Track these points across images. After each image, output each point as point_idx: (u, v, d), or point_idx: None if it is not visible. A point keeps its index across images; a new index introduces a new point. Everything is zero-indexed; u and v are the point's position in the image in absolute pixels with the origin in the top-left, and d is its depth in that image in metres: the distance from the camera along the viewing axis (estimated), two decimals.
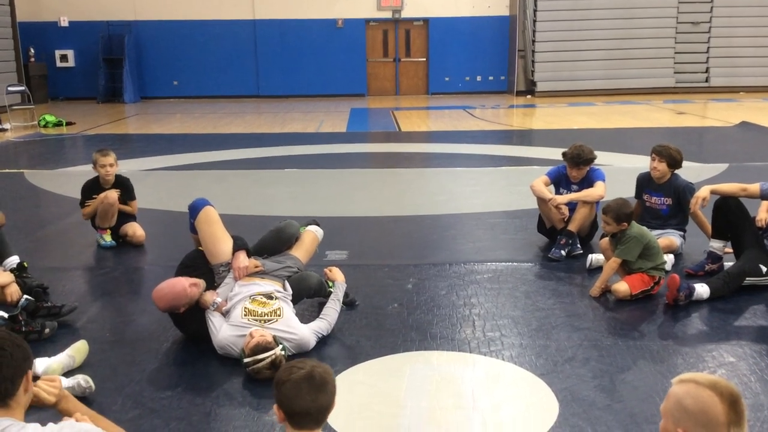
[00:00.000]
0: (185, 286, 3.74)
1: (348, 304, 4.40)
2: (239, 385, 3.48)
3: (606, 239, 4.79)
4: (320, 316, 4.00)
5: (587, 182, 5.54)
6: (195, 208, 4.17)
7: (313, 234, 4.59)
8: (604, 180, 5.51)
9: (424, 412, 3.21)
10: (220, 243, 4.04)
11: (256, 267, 4.03)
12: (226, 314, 3.81)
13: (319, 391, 2.20)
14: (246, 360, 3.48)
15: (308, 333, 3.79)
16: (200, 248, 4.18)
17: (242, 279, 3.95)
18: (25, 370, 2.13)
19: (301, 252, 4.43)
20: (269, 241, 4.41)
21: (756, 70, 20.29)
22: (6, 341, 2.10)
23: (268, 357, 3.44)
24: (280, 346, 3.53)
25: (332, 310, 4.03)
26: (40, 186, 8.64)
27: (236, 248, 4.02)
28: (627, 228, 4.58)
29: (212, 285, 3.98)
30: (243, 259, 3.99)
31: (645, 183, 5.50)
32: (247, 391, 3.42)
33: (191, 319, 3.85)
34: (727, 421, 1.83)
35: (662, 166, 5.29)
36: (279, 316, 3.76)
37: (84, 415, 2.32)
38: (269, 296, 3.87)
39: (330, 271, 4.34)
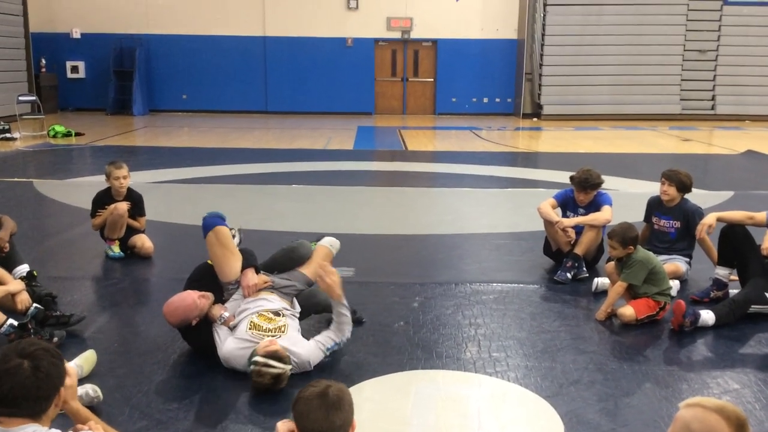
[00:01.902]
0: (195, 298, 3.77)
1: (355, 321, 4.41)
2: (246, 399, 3.50)
3: (612, 263, 4.82)
4: (331, 327, 3.89)
5: (594, 206, 5.57)
6: (206, 228, 4.10)
7: (325, 249, 4.47)
8: (611, 204, 5.53)
9: (430, 431, 3.22)
10: (230, 263, 4.03)
11: (265, 283, 4.05)
12: (233, 329, 3.83)
13: (332, 410, 2.18)
14: (257, 358, 3.46)
15: (310, 353, 3.73)
16: (209, 262, 4.20)
17: (251, 295, 3.97)
18: (59, 388, 2.14)
19: (311, 269, 4.33)
20: (280, 260, 4.38)
21: (762, 99, 20.37)
22: (43, 361, 2.09)
23: (278, 368, 3.45)
24: (290, 367, 3.53)
25: (343, 324, 3.86)
26: (48, 195, 8.70)
27: (245, 265, 4.04)
28: (633, 252, 4.61)
29: (220, 299, 4.01)
30: (252, 277, 4.01)
31: (655, 206, 5.55)
32: (254, 406, 3.44)
33: (199, 332, 3.87)
34: None
35: (672, 191, 5.34)
36: (283, 332, 3.77)
37: (97, 424, 2.34)
38: (276, 313, 3.88)
39: (324, 279, 3.82)
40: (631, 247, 4.60)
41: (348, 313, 3.91)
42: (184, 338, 4.00)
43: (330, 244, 4.54)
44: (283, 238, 6.03)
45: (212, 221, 4.11)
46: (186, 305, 3.75)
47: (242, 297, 3.98)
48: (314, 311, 4.26)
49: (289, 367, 3.52)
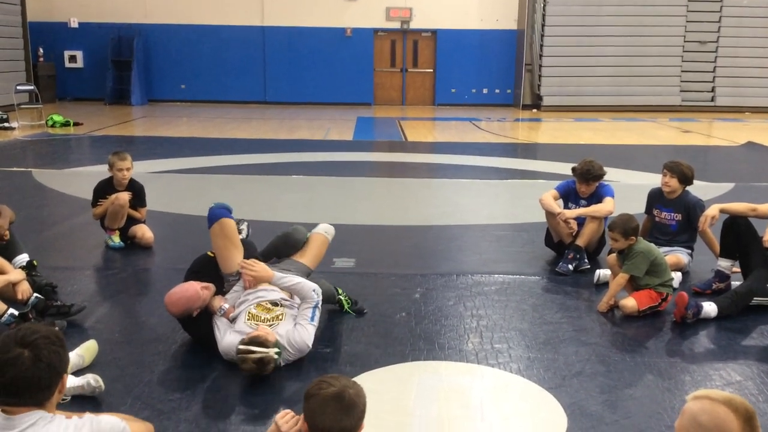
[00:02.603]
0: (197, 289, 3.76)
1: (356, 311, 4.42)
2: (249, 390, 3.48)
3: (613, 255, 4.80)
4: (303, 300, 3.88)
5: (596, 197, 5.55)
6: (211, 219, 4.11)
7: (321, 236, 4.48)
8: (613, 196, 5.52)
9: (433, 422, 3.21)
10: (232, 255, 4.03)
11: None
12: (232, 321, 3.82)
13: (345, 413, 2.15)
14: (240, 346, 3.48)
15: (302, 335, 3.70)
16: (209, 253, 4.18)
17: (252, 287, 3.95)
18: (62, 375, 2.12)
19: (308, 258, 4.37)
20: (277, 246, 4.40)
21: (762, 91, 20.35)
22: (43, 350, 2.05)
23: (258, 353, 3.41)
24: (275, 350, 3.48)
25: (303, 290, 3.86)
26: (47, 185, 8.67)
27: (247, 257, 4.02)
28: (634, 243, 4.60)
29: (221, 291, 4.00)
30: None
31: (656, 198, 5.53)
32: (256, 397, 3.43)
33: (199, 324, 3.86)
34: None
35: (673, 182, 5.33)
36: (280, 320, 3.76)
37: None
38: (275, 303, 3.87)
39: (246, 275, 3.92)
40: (633, 238, 4.59)
41: (293, 278, 3.90)
42: (184, 329, 3.98)
43: (325, 231, 4.57)
44: (282, 229, 6.01)
45: (218, 212, 4.10)
46: (189, 296, 3.73)
47: (243, 289, 3.96)
48: None
49: (274, 350, 3.46)
